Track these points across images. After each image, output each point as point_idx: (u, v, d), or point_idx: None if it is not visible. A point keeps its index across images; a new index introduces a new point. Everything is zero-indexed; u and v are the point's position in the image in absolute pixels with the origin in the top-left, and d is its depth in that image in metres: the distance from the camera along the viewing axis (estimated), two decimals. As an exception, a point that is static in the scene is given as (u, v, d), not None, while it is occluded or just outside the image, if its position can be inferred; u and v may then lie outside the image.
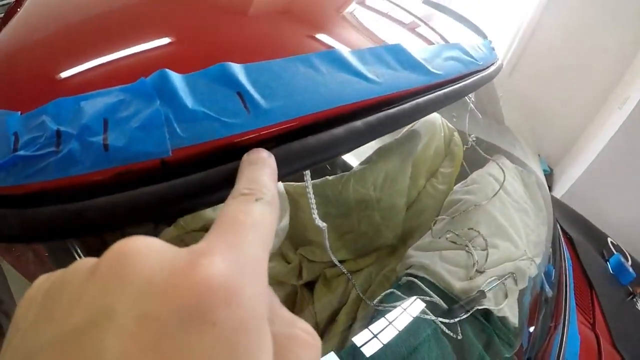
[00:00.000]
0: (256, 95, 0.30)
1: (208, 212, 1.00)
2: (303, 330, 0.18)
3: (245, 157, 0.25)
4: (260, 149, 0.26)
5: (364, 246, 0.93)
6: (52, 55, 0.35)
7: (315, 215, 0.42)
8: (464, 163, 1.05)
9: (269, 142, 0.29)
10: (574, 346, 0.85)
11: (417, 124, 1.00)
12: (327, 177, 0.96)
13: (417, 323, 0.65)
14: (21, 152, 0.24)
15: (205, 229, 0.99)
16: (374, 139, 0.38)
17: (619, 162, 1.98)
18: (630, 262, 1.34)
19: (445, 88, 0.51)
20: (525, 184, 1.08)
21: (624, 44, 2.15)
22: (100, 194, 0.25)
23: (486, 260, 0.79)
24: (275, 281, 0.92)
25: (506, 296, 0.78)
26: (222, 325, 0.13)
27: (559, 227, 1.14)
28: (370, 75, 0.40)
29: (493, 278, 0.76)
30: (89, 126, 0.25)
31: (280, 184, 1.09)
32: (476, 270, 0.77)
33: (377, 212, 0.92)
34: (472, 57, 0.66)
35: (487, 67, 0.70)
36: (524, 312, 0.80)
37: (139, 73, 0.28)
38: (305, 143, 0.32)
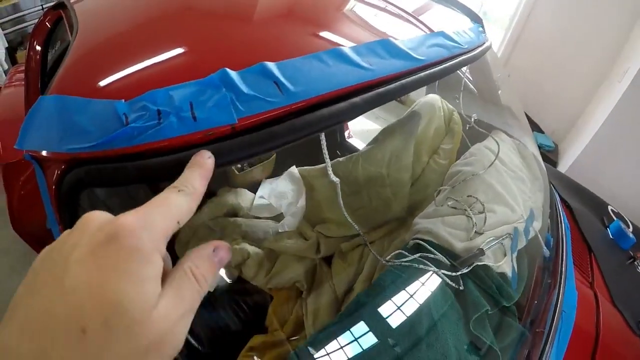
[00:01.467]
0: (287, 83, 0.45)
1: (231, 200, 1.11)
2: (189, 265, 0.27)
3: (191, 159, 0.34)
4: (203, 152, 0.35)
5: (375, 220, 1.02)
6: (141, 58, 0.50)
7: (330, 171, 0.52)
8: (465, 138, 1.12)
9: (296, 114, 0.44)
10: (571, 300, 0.93)
11: (417, 106, 1.08)
12: (338, 159, 1.06)
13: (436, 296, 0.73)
14: (132, 125, 0.37)
15: (228, 214, 1.09)
16: (369, 110, 0.51)
17: (620, 135, 2.02)
18: (631, 229, 1.40)
19: (428, 70, 0.61)
20: (522, 156, 1.15)
21: (622, 18, 2.18)
22: (194, 148, 0.37)
23: (484, 223, 0.87)
24: (296, 257, 1.01)
25: (505, 255, 0.87)
26: (125, 246, 0.23)
27: (557, 196, 1.21)
28: (365, 65, 0.55)
29: (491, 238, 0.84)
30: (180, 106, 0.39)
31: (295, 170, 1.19)
32: (475, 232, 0.85)
33: (386, 188, 1.01)
34: (455, 42, 0.75)
35: (473, 50, 0.79)
36: (523, 269, 0.88)
37: (207, 71, 0.43)
38: (320, 114, 0.46)
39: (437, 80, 0.65)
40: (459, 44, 0.76)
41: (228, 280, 1.01)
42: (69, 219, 0.43)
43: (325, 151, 0.53)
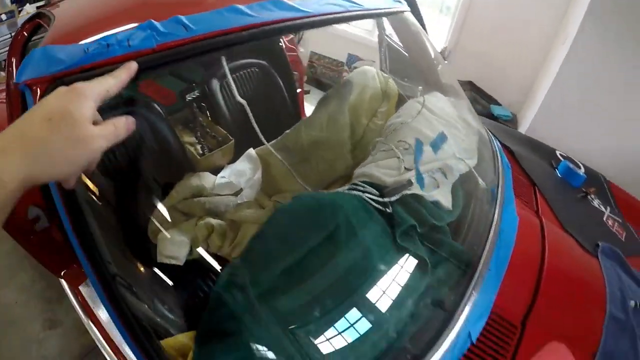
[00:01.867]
0: (191, 25, 0.66)
1: (195, 182, 1.19)
2: (112, 120, 0.46)
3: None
4: (130, 62, 0.55)
5: (324, 182, 1.10)
6: (100, 24, 0.71)
7: (235, 93, 0.63)
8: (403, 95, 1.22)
9: (195, 42, 0.66)
10: (511, 222, 1.00)
11: (350, 76, 1.19)
12: (287, 131, 1.15)
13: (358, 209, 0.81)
14: (90, 52, 0.58)
15: (194, 196, 1.17)
16: (251, 41, 0.68)
17: (568, 96, 2.13)
18: (582, 170, 1.47)
19: (311, 18, 0.77)
20: (457, 110, 1.25)
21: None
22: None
23: (414, 161, 0.95)
24: (256, 225, 1.08)
25: (438, 187, 0.95)
26: (77, 92, 0.43)
27: (496, 140, 1.30)
28: (253, 14, 0.71)
29: (421, 172, 0.92)
30: (120, 40, 0.61)
31: (253, 150, 1.28)
32: (405, 168, 0.93)
33: (328, 150, 1.10)
34: (354, 2, 0.87)
35: (372, 10, 0.91)
36: (458, 199, 0.96)
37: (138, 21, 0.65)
38: (213, 41, 0.67)
39: (324, 26, 0.77)
40: (356, 3, 0.88)
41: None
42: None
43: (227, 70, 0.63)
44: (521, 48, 2.55)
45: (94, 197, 0.83)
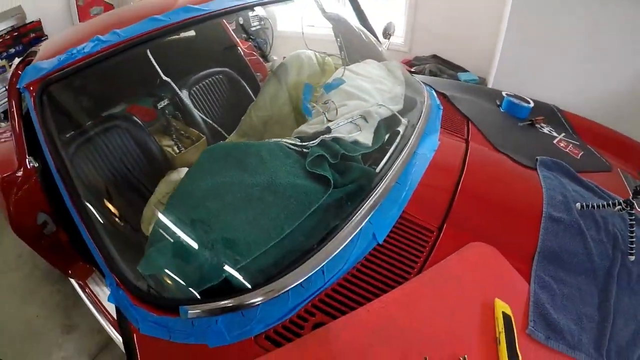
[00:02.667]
0: (123, 34, 1.06)
1: (174, 177, 1.41)
2: None
3: None
4: None
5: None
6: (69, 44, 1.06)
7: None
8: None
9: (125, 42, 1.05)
10: (429, 147, 1.14)
11: (285, 59, 1.39)
12: (243, 117, 1.36)
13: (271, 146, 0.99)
14: (62, 59, 1.00)
15: (174, 189, 1.38)
16: (160, 37, 0.98)
17: (520, 46, 2.22)
18: (531, 104, 1.57)
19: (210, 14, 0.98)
20: (388, 69, 1.41)
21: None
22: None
23: (337, 113, 1.12)
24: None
25: (359, 130, 1.10)
26: None
27: (427, 89, 1.44)
28: (165, 19, 1.02)
29: (342, 120, 1.09)
30: (79, 49, 1.03)
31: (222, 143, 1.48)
32: (329, 120, 1.10)
33: (275, 125, 1.29)
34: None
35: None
36: (379, 136, 1.11)
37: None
38: (137, 40, 1.05)
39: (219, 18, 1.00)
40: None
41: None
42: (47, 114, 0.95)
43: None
44: (477, 13, 2.67)
45: (96, 200, 1.07)
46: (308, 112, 1.07)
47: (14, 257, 2.09)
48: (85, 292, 1.49)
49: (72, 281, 1.57)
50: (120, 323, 0.84)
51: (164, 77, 1.07)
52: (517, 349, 0.69)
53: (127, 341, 0.81)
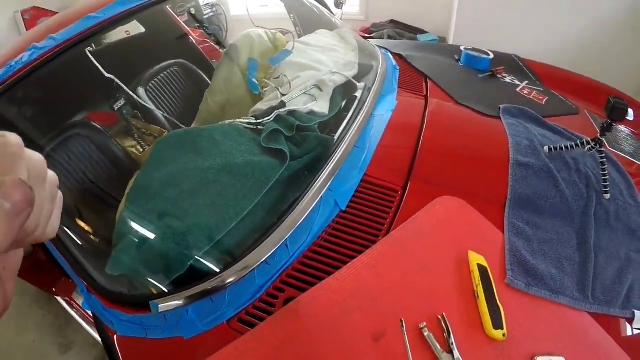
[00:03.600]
0: (58, 37, 0.99)
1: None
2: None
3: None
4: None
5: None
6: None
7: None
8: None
9: (62, 45, 0.99)
10: (386, 108, 1.12)
11: (235, 40, 1.35)
12: (200, 106, 1.32)
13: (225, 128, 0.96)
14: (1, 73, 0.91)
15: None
16: (96, 35, 0.98)
17: (477, 5, 2.20)
18: (491, 56, 1.55)
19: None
20: (340, 37, 1.38)
21: None
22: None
23: (290, 87, 1.10)
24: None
25: (315, 100, 1.08)
26: None
27: (382, 51, 1.42)
28: (99, 16, 1.01)
29: (296, 92, 1.07)
30: (17, 60, 0.94)
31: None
32: (282, 94, 1.08)
33: (234, 108, 1.26)
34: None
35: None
36: (335, 104, 1.09)
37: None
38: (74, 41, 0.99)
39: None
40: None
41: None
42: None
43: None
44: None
45: (66, 212, 1.04)
46: (254, 87, 1.04)
47: (-1, 289, 2.06)
48: (73, 307, 1.47)
49: (60, 300, 1.55)
50: (98, 328, 0.83)
51: (107, 75, 1.01)
52: (497, 300, 0.68)
53: (108, 345, 0.79)
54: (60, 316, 1.84)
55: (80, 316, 1.44)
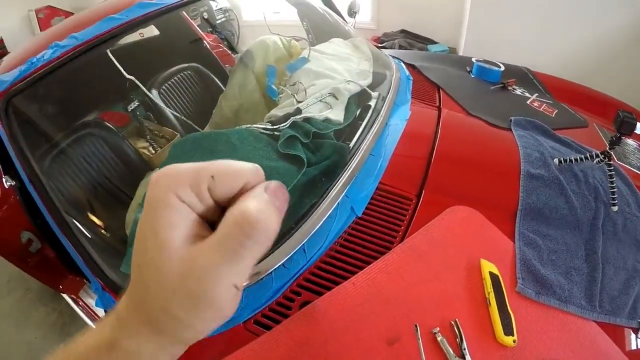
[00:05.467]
0: (80, 37, 1.04)
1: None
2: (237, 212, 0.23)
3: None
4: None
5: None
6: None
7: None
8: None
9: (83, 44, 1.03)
10: (401, 117, 1.14)
11: (251, 46, 1.37)
12: (214, 110, 1.34)
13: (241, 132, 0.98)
14: (23, 69, 0.98)
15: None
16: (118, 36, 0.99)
17: (487, 16, 2.23)
18: (502, 68, 1.57)
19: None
20: (355, 46, 1.40)
21: None
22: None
23: (305, 94, 1.11)
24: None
25: (330, 108, 1.10)
26: (148, 195, 0.23)
27: (396, 62, 1.44)
28: (122, 17, 1.01)
29: (312, 100, 1.08)
30: (39, 58, 0.99)
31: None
32: (298, 102, 1.09)
33: (247, 113, 1.27)
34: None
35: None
36: (350, 112, 1.11)
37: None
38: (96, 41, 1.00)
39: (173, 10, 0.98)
40: None
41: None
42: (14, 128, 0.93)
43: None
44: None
45: (76, 210, 1.05)
46: (273, 93, 1.06)
47: (3, 282, 2.06)
48: (79, 305, 1.48)
49: (66, 297, 1.55)
50: (111, 326, 0.83)
51: (127, 76, 1.03)
52: (509, 308, 0.69)
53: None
54: (64, 314, 1.84)
55: (86, 314, 1.44)
